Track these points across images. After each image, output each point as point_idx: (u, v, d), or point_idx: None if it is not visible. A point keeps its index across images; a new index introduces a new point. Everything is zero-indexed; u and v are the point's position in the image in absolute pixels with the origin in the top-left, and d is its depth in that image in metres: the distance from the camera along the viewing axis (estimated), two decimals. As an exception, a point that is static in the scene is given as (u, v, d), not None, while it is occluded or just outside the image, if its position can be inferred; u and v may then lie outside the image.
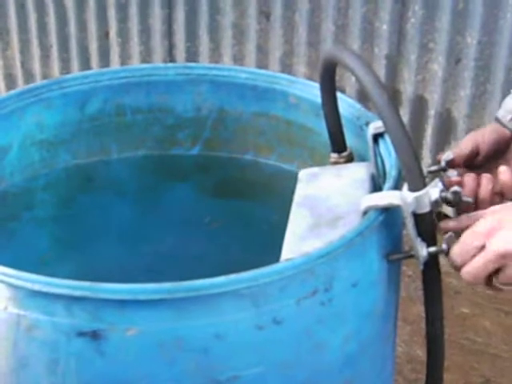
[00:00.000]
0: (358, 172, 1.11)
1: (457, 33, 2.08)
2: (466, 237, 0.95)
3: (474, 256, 0.94)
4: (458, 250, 0.95)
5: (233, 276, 0.86)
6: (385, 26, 2.17)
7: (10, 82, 2.86)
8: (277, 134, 1.31)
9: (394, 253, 0.99)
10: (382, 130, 1.09)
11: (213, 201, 1.38)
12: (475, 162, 1.15)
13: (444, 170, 1.11)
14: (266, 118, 1.30)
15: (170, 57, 2.54)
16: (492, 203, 1.05)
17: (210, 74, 1.30)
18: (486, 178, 1.08)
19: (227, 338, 0.87)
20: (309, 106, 1.24)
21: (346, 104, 1.18)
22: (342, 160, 1.17)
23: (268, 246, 1.00)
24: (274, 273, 0.87)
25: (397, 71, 2.23)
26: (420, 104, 2.23)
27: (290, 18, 2.30)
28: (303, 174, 1.15)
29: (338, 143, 1.17)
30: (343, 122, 1.15)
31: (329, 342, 0.94)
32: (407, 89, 2.22)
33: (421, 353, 1.89)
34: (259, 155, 1.34)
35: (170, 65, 1.33)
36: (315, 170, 1.15)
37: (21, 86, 2.79)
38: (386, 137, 1.08)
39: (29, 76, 2.80)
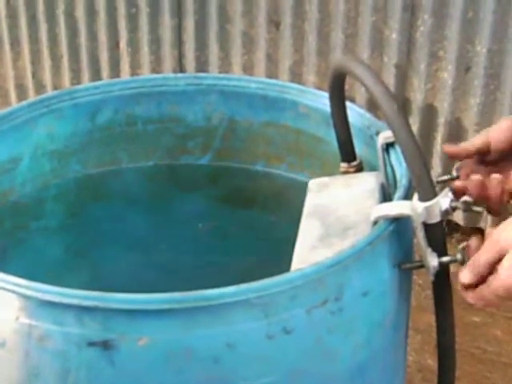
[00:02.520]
0: (368, 182, 1.11)
1: (466, 41, 2.08)
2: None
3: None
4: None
5: (243, 285, 0.86)
6: (394, 35, 2.17)
7: (21, 92, 2.87)
8: (287, 143, 1.31)
9: (405, 262, 0.98)
10: (391, 139, 1.09)
11: (222, 210, 1.38)
12: (488, 159, 1.09)
13: (455, 179, 1.10)
14: (276, 128, 1.31)
15: (180, 66, 2.54)
16: (501, 202, 1.04)
17: (219, 84, 1.30)
18: (495, 179, 1.04)
19: (237, 347, 0.87)
20: (319, 115, 1.24)
21: (356, 113, 1.18)
22: (351, 169, 1.17)
23: (278, 256, 1.00)
24: (284, 282, 0.87)
25: (406, 80, 2.22)
26: (430, 112, 2.22)
27: (299, 27, 2.31)
28: (313, 183, 1.15)
29: (347, 153, 1.17)
30: (353, 131, 1.15)
31: (339, 351, 0.93)
32: (417, 97, 2.22)
33: (431, 362, 1.88)
34: (269, 165, 1.34)
35: (180, 75, 1.34)
36: (325, 179, 1.15)
37: (32, 96, 2.80)
38: (396, 146, 1.08)
39: (40, 86, 2.82)
